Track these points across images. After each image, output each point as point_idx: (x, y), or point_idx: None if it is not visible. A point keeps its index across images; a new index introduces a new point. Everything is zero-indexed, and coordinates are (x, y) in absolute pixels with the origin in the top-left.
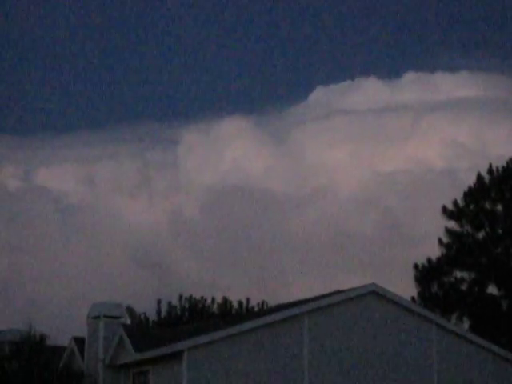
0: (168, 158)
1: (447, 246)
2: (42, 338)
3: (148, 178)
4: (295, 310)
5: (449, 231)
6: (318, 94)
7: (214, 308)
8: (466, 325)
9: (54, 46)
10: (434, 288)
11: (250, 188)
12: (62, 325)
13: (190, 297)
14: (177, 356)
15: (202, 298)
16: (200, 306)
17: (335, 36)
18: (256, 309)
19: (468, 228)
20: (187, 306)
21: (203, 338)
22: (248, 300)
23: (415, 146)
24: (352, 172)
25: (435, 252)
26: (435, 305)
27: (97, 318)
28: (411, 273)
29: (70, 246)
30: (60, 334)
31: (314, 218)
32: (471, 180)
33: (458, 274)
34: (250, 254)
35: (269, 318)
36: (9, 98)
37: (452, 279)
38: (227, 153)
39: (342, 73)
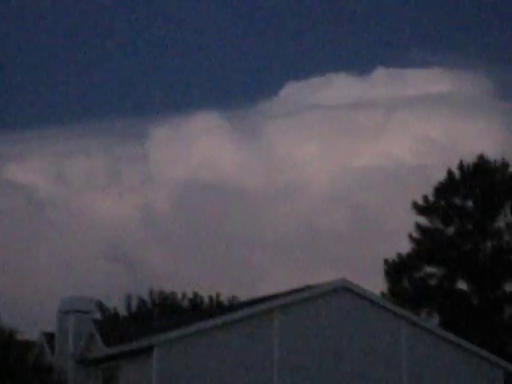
0: (138, 153)
1: (417, 242)
2: (12, 333)
3: (118, 173)
4: (265, 305)
5: (419, 227)
6: (289, 90)
7: (185, 303)
8: (436, 320)
9: (25, 41)
10: (404, 283)
11: (220, 183)
12: (32, 319)
13: (161, 291)
14: (147, 351)
15: (172, 292)
16: (170, 300)
17: (306, 31)
18: (226, 304)
19: (438, 223)
20: (157, 300)
21: (173, 333)
22: (218, 295)
23: (386, 142)
24: (323, 167)
25: (405, 247)
26: (405, 300)
27: (67, 312)
28: (381, 268)
29: (40, 240)
30: (30, 329)
31: (285, 213)
32: (442, 176)
33: (428, 269)
34: (220, 248)
35: (239, 314)
36: None
37: (422, 274)
38: (198, 147)
39: (313, 68)
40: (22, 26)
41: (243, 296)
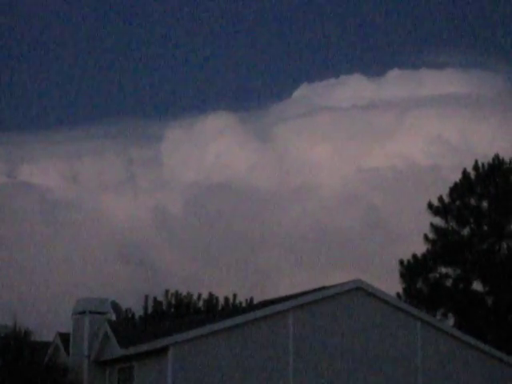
0: (152, 155)
1: (432, 242)
2: (27, 333)
3: (132, 174)
4: (280, 306)
5: (434, 227)
6: (303, 91)
7: (200, 304)
8: (451, 321)
9: (39, 42)
10: (419, 284)
11: (233, 184)
12: (48, 320)
13: (176, 292)
14: (162, 352)
15: (187, 293)
16: (186, 301)
17: (320, 33)
18: (243, 305)
19: (453, 224)
20: (173, 301)
21: (188, 334)
22: (235, 296)
23: (400, 143)
24: (336, 168)
25: (420, 248)
26: (420, 301)
27: (82, 313)
28: (396, 269)
29: (54, 241)
30: (45, 330)
31: (298, 214)
32: (456, 176)
33: (443, 270)
34: (234, 250)
35: (254, 314)
36: None
37: (437, 275)
38: (211, 149)
39: (327, 70)
40: (35, 25)
41: (259, 297)
